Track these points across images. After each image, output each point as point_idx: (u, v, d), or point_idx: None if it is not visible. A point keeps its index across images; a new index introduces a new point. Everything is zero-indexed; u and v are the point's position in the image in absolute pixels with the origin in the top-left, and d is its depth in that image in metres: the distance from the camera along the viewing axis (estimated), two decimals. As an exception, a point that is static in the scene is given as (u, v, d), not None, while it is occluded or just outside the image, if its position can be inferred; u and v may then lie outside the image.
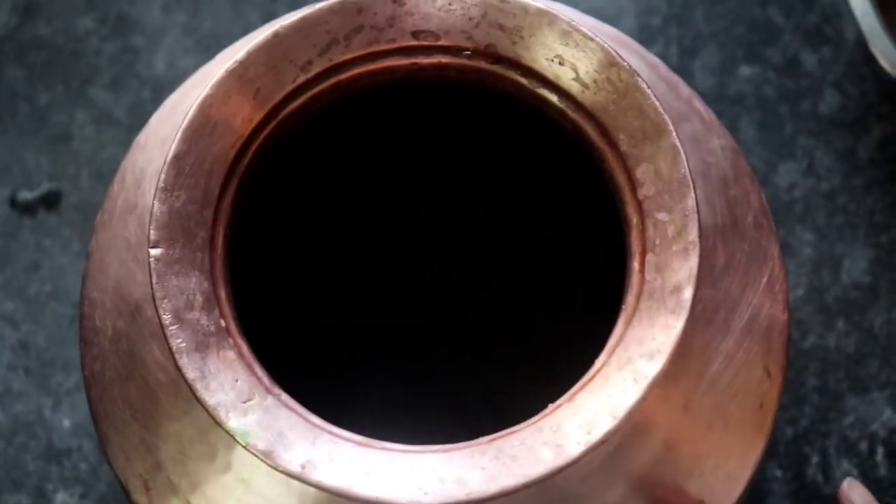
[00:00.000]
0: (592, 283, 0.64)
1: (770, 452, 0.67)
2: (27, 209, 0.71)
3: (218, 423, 0.48)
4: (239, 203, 0.51)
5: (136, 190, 0.55)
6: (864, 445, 0.67)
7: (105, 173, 0.71)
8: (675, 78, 0.57)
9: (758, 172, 0.70)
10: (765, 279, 0.54)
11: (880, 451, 0.67)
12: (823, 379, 0.68)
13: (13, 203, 0.71)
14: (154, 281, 0.49)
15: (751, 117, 0.71)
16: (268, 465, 0.47)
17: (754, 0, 0.72)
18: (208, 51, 0.72)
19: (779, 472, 0.67)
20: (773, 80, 0.71)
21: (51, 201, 0.71)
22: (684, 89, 0.57)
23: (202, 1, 0.73)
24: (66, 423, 0.68)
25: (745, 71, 0.71)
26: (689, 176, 0.50)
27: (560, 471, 0.48)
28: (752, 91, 0.71)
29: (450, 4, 0.51)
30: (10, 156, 0.72)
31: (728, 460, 0.53)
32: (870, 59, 0.71)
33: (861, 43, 0.71)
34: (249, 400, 0.48)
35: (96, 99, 0.72)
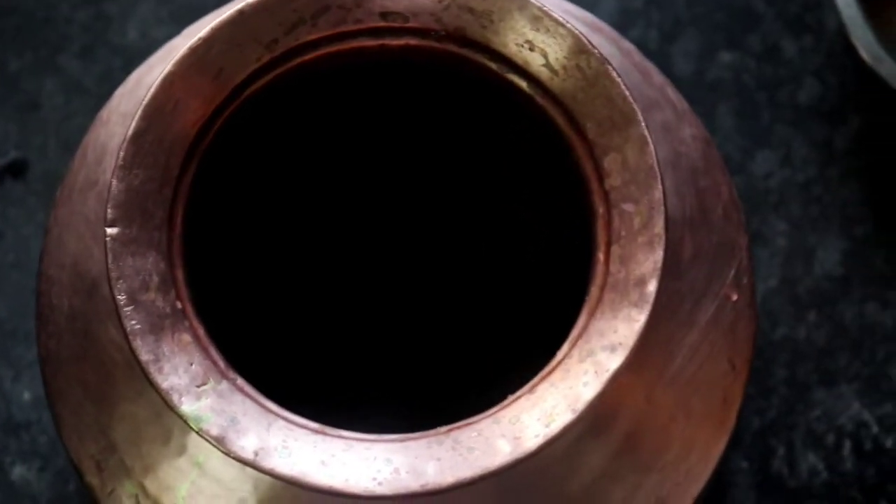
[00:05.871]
0: (561, 273, 0.63)
1: (735, 443, 0.66)
2: (-7, 178, 0.70)
3: (170, 408, 0.47)
4: (200, 183, 0.50)
5: (97, 166, 0.54)
6: (830, 438, 0.66)
7: (73, 143, 0.70)
8: (649, 65, 0.56)
9: (734, 160, 0.69)
10: (732, 272, 0.54)
11: (847, 444, 0.66)
12: (792, 371, 0.67)
13: (-21, 171, 0.70)
14: (109, 260, 0.48)
15: (729, 104, 0.70)
16: (220, 451, 0.47)
17: (735, -15, 0.71)
18: (182, 21, 0.71)
19: (744, 464, 0.66)
20: (753, 67, 0.70)
21: (17, 170, 0.70)
22: (657, 77, 0.56)
23: (176, -29, 0.72)
24: (27, 395, 0.67)
25: (725, 57, 0.70)
26: (656, 167, 0.49)
27: (517, 463, 0.47)
28: (730, 78, 0.70)
29: (419, -15, 0.51)
30: (-22, 123, 0.71)
31: (690, 454, 0.52)
32: (850, 50, 0.70)
33: (842, 33, 0.70)
34: (204, 384, 0.48)
35: (66, 67, 0.71)
